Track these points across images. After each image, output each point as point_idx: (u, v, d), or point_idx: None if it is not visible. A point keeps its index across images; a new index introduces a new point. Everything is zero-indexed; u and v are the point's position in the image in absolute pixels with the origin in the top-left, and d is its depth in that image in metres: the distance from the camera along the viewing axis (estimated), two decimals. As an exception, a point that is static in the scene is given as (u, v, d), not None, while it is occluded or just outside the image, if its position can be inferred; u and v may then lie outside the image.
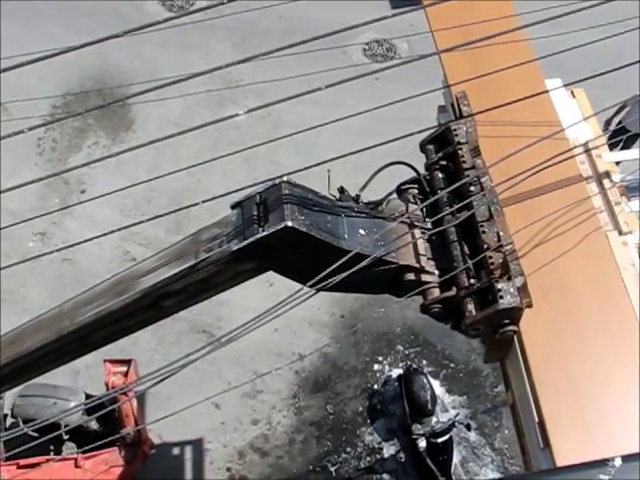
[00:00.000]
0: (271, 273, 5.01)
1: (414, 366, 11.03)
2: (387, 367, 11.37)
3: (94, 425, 9.03)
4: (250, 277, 4.93)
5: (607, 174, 6.06)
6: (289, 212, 4.71)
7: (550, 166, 5.17)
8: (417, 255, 5.11)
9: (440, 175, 5.44)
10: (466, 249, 5.08)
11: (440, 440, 9.78)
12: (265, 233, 4.70)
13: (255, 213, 4.88)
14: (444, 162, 5.48)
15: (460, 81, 5.71)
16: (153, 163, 12.83)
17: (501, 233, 4.82)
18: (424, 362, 11.39)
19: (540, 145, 5.25)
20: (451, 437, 9.95)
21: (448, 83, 6.33)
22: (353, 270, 4.71)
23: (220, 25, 14.19)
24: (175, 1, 15.92)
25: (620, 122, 11.53)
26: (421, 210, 5.37)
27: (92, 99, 14.15)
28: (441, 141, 5.60)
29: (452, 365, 11.39)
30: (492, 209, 4.96)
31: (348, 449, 10.64)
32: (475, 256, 5.01)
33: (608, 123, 11.30)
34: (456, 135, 5.42)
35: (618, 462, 2.70)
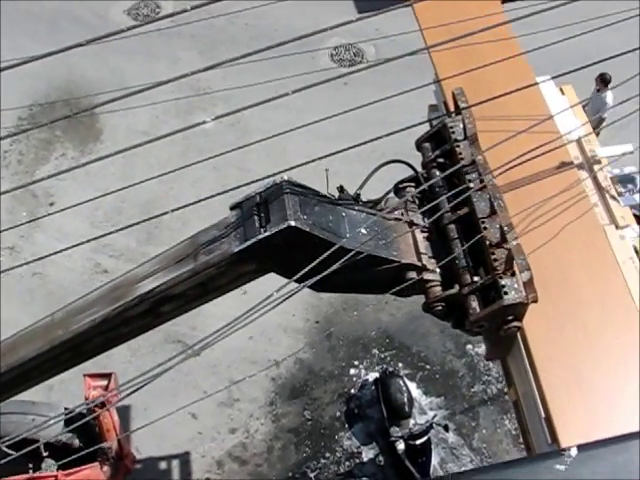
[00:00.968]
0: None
1: (390, 369, 11.02)
2: (363, 371, 11.36)
3: (75, 441, 8.89)
4: (251, 279, 4.87)
5: (601, 169, 6.13)
6: (292, 212, 4.67)
7: (543, 153, 5.19)
8: (418, 253, 5.10)
9: (438, 173, 5.43)
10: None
11: (418, 442, 9.78)
12: (268, 233, 4.65)
13: (256, 214, 4.83)
14: (441, 159, 5.47)
15: (450, 76, 5.73)
16: (123, 173, 12.73)
17: (505, 228, 4.79)
18: (400, 365, 11.39)
19: (535, 140, 5.29)
20: (429, 439, 9.95)
21: (439, 80, 6.34)
22: (356, 269, 4.70)
23: (186, 33, 14.13)
24: (140, 10, 15.84)
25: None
26: (420, 208, 5.36)
27: (59, 110, 13.99)
28: (437, 139, 5.58)
29: (428, 367, 11.41)
30: (495, 205, 4.93)
31: (327, 454, 10.61)
32: (477, 253, 5.00)
33: None
34: (452, 132, 5.40)
35: (574, 452, 2.70)
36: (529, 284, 4.64)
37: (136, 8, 15.89)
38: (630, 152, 6.30)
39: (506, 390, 10.95)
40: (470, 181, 5.13)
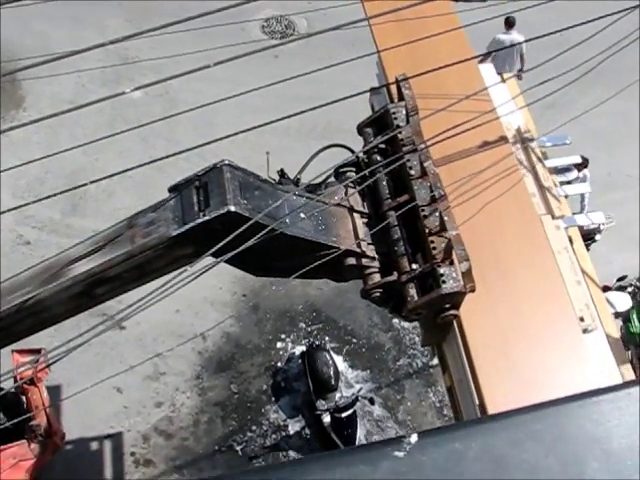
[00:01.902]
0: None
1: (317, 343, 11.11)
2: (290, 344, 11.42)
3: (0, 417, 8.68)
4: (188, 262, 4.80)
5: (539, 159, 6.20)
6: (231, 196, 4.61)
7: (486, 147, 5.23)
8: (357, 239, 5.09)
9: (379, 158, 5.41)
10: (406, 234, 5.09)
11: (344, 415, 9.90)
12: (207, 218, 4.60)
13: (195, 197, 4.76)
14: (383, 145, 5.44)
15: (389, 47, 5.71)
16: (47, 143, 12.37)
17: (445, 218, 4.81)
18: (327, 338, 11.49)
19: (474, 127, 5.33)
20: (355, 411, 10.08)
21: (379, 52, 6.31)
22: (296, 255, 4.69)
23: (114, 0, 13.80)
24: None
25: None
26: (360, 194, 5.34)
27: (-21, 76, 13.51)
28: (379, 124, 5.56)
29: (354, 340, 11.54)
30: (435, 193, 4.95)
31: (253, 428, 10.65)
32: (416, 241, 5.01)
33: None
34: (395, 118, 5.39)
35: (414, 438, 2.76)
36: (467, 274, 4.69)
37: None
38: (578, 163, 6.42)
39: (431, 363, 11.21)
40: (411, 168, 5.14)
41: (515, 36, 11.98)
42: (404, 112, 5.36)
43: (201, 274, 4.46)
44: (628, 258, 11.77)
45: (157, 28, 3.94)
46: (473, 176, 5.55)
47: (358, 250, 5.05)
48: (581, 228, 6.26)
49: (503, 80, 6.66)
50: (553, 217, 5.82)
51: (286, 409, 10.79)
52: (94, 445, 10.37)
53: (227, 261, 4.64)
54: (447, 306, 4.88)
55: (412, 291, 4.88)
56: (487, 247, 5.31)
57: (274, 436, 10.58)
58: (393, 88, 5.80)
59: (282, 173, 5.37)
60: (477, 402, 4.95)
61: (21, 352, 8.63)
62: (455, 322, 5.13)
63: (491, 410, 4.81)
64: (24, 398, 8.46)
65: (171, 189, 4.95)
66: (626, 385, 3.32)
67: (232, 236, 4.36)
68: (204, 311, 11.39)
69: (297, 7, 13.86)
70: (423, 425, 10.77)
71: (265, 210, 4.67)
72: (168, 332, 11.02)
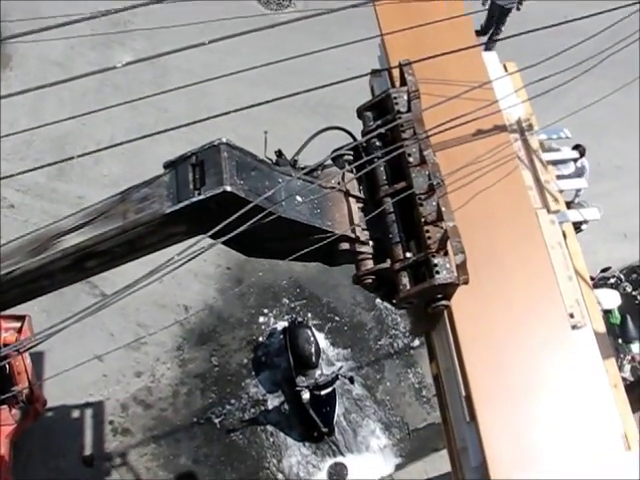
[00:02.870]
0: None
1: (299, 319, 11.09)
2: (272, 320, 11.40)
3: None
4: (181, 240, 4.71)
5: (536, 152, 6.13)
6: (228, 176, 4.53)
7: (484, 133, 5.16)
8: (352, 224, 5.03)
9: (378, 143, 5.34)
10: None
11: (323, 392, 9.92)
12: (202, 197, 4.51)
13: (190, 175, 4.68)
14: (382, 130, 5.36)
15: (393, 31, 5.60)
16: (33, 105, 12.19)
17: (443, 208, 4.74)
18: (309, 315, 11.48)
19: (474, 116, 5.27)
20: (334, 389, 10.10)
21: (385, 46, 6.23)
22: (290, 238, 4.63)
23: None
24: None
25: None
26: (357, 178, 5.28)
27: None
28: (380, 108, 5.47)
29: (337, 318, 11.53)
30: (434, 183, 4.88)
31: (232, 401, 10.64)
32: (411, 229, 4.95)
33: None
34: (396, 103, 5.30)
35: None
36: (462, 267, 4.63)
37: None
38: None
39: (411, 345, 11.23)
40: (410, 155, 5.07)
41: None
42: (405, 98, 5.26)
43: (196, 256, 4.40)
44: (612, 249, 11.81)
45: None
46: (470, 166, 5.49)
47: (352, 235, 5.00)
48: None
49: (506, 70, 6.56)
50: (549, 211, 5.77)
51: (266, 384, 10.80)
52: (73, 412, 10.36)
53: (213, 237, 4.58)
54: (439, 296, 4.83)
55: (405, 280, 4.82)
56: (482, 238, 5.26)
57: (253, 410, 10.59)
58: (395, 72, 5.69)
59: (279, 153, 5.28)
60: (463, 394, 4.93)
61: (4, 317, 8.57)
62: (446, 313, 5.10)
63: (477, 403, 4.80)
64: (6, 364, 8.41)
65: (166, 165, 4.86)
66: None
67: (232, 218, 4.30)
68: (187, 282, 11.32)
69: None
70: (401, 406, 10.81)
71: (264, 195, 4.60)
72: (150, 302, 10.97)
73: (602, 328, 5.41)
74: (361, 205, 5.19)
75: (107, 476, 10.05)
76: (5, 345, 8.01)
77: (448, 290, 4.79)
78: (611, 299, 10.23)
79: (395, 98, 5.30)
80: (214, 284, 11.53)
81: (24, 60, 13.34)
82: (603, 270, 11.24)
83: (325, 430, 10.14)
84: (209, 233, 4.42)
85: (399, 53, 5.67)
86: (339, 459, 10.40)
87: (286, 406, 10.56)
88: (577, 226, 6.21)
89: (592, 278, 10.29)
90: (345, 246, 5.02)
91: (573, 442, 4.76)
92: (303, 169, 5.20)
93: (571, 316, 5.24)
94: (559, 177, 6.22)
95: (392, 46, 6.19)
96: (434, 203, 4.82)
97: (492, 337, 5.01)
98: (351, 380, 10.50)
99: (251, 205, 4.45)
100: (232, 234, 4.36)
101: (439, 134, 5.16)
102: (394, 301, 5.03)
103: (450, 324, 5.09)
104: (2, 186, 11.61)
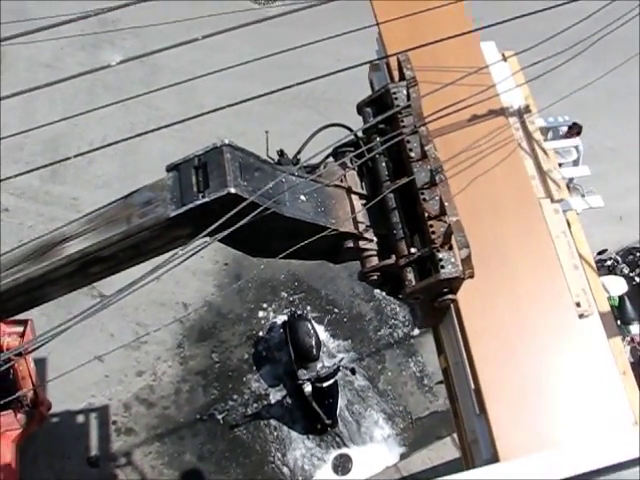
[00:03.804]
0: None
1: (298, 312, 11.09)
2: (272, 314, 11.40)
3: None
4: (186, 242, 4.71)
5: (539, 141, 6.11)
6: (232, 177, 4.51)
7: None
8: (355, 221, 5.02)
9: (378, 139, 5.31)
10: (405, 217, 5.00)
11: (325, 384, 9.93)
12: (206, 199, 4.49)
13: (194, 177, 4.66)
14: (382, 125, 5.34)
15: (389, 19, 5.57)
16: (24, 108, 12.13)
17: (446, 203, 4.73)
18: (308, 308, 11.48)
19: (475, 108, 5.24)
20: (336, 381, 10.11)
21: (382, 40, 6.20)
22: (295, 236, 4.63)
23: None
24: None
25: None
26: (359, 175, 5.26)
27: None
28: (379, 104, 5.45)
29: (336, 310, 11.53)
30: (436, 177, 4.87)
31: (235, 396, 10.65)
32: (415, 225, 4.94)
33: None
34: (396, 98, 5.28)
35: None
36: (467, 261, 4.63)
37: None
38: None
39: (411, 334, 11.24)
40: (411, 150, 5.06)
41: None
42: (405, 92, 5.25)
43: (196, 252, 4.39)
44: (608, 231, 11.81)
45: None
46: (472, 158, 5.48)
47: (356, 232, 4.99)
48: None
49: (504, 58, 6.53)
50: (552, 200, 5.75)
51: (267, 378, 10.80)
52: (76, 414, 10.35)
53: (222, 241, 4.56)
54: (445, 290, 4.83)
55: (410, 275, 4.81)
56: (486, 230, 5.26)
57: (255, 405, 10.60)
58: (393, 64, 5.68)
59: (281, 153, 5.27)
60: (473, 387, 4.94)
61: (7, 322, 8.55)
62: (453, 307, 5.09)
63: (487, 396, 4.81)
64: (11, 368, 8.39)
65: (169, 168, 4.84)
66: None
67: (228, 216, 4.28)
68: (185, 280, 11.32)
69: (281, -29, 13.67)
70: (403, 395, 10.83)
71: (272, 196, 4.59)
72: (149, 301, 10.96)
73: (609, 316, 5.40)
74: (364, 202, 5.18)
75: (112, 476, 10.06)
76: (8, 350, 7.99)
77: (454, 284, 4.79)
78: (618, 286, 10.19)
79: (394, 93, 5.29)
80: (212, 280, 11.53)
81: (14, 62, 13.29)
82: (599, 252, 11.24)
83: (328, 422, 10.16)
84: (217, 237, 4.40)
85: (397, 46, 5.65)
86: (343, 450, 10.43)
87: (288, 400, 10.57)
88: None
89: (589, 261, 10.30)
90: (349, 243, 5.03)
91: (583, 431, 4.76)
92: (305, 168, 5.20)
93: (578, 305, 5.23)
94: (561, 165, 6.21)
95: (389, 39, 6.18)
96: (437, 198, 4.81)
97: (499, 329, 5.01)
98: (352, 371, 10.52)
99: (249, 201, 4.44)
100: (238, 236, 4.36)
101: (440, 126, 5.16)
102: (401, 297, 5.02)
103: (457, 317, 5.09)
104: (-3, 190, 11.60)
